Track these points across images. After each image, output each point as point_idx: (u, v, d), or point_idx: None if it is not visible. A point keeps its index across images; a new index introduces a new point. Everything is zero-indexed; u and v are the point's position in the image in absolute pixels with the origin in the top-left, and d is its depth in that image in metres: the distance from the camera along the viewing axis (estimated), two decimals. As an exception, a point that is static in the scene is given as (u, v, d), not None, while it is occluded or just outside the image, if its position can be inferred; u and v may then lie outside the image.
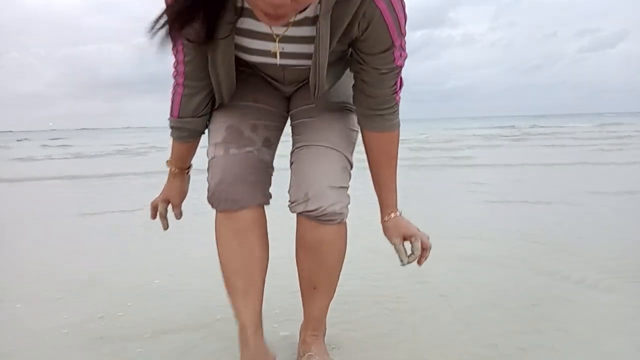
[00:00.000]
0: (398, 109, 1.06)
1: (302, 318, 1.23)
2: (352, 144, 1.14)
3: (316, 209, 1.03)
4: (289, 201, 1.08)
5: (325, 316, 1.22)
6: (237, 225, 1.09)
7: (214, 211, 1.12)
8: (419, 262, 1.13)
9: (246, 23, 0.95)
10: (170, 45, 0.91)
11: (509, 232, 2.59)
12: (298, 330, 1.26)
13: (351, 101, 1.12)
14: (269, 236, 1.16)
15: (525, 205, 3.39)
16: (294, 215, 1.12)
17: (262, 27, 0.95)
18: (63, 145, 17.88)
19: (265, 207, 1.15)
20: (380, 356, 1.28)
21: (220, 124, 1.11)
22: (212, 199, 1.08)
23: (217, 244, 1.13)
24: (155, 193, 1.31)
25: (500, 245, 2.35)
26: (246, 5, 0.91)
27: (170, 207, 1.31)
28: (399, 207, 1.16)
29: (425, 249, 1.12)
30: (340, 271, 1.17)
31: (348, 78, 1.11)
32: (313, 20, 0.93)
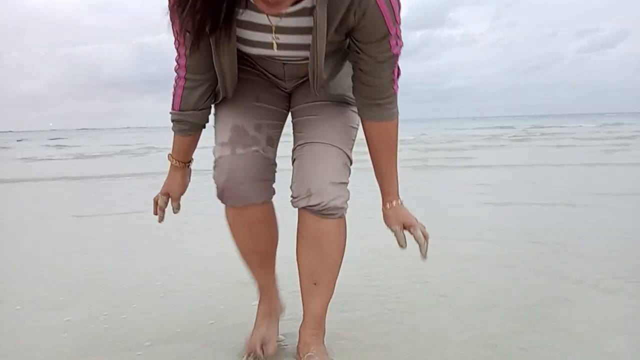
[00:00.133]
0: (396, 99, 1.09)
1: (302, 318, 1.24)
2: (352, 141, 1.18)
3: (318, 204, 1.07)
4: (292, 196, 1.12)
5: (325, 315, 1.23)
6: (246, 219, 1.19)
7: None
8: (422, 253, 1.19)
9: (246, 15, 0.99)
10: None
11: (509, 232, 2.59)
12: (297, 330, 1.26)
13: (350, 94, 1.15)
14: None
15: (525, 205, 3.39)
16: (294, 216, 1.15)
17: (262, 19, 0.98)
18: (63, 146, 17.88)
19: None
20: (380, 356, 1.28)
21: (225, 123, 1.15)
22: (221, 196, 1.14)
23: (230, 231, 1.23)
24: (156, 193, 1.32)
25: (500, 245, 2.34)
26: None
27: (170, 201, 1.33)
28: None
29: (425, 238, 1.16)
30: (339, 267, 1.20)
31: (347, 71, 1.13)
32: (311, 11, 0.96)
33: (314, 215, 1.11)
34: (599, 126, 20.46)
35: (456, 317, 1.51)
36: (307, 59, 1.04)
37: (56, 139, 26.78)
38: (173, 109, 1.14)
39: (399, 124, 1.14)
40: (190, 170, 1.32)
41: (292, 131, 1.24)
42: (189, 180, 1.32)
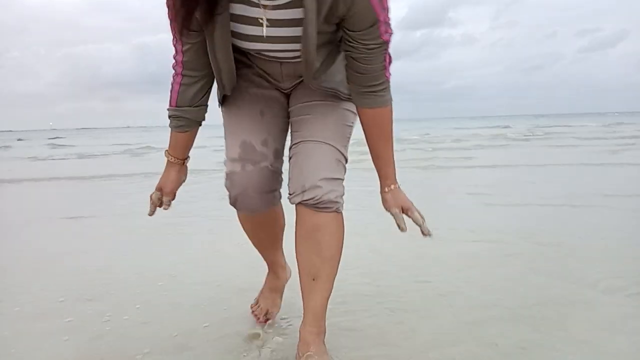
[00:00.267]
0: (389, 86, 1.12)
1: (301, 319, 1.23)
2: (346, 138, 1.23)
3: (312, 197, 1.13)
4: (288, 193, 1.18)
5: (325, 312, 1.23)
6: (256, 223, 1.37)
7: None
8: (424, 232, 1.21)
9: (237, 9, 1.03)
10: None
11: (509, 232, 2.58)
12: (296, 330, 1.26)
13: (342, 89, 1.20)
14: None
15: (525, 205, 3.39)
16: (293, 219, 1.17)
17: (253, 12, 1.03)
18: (63, 145, 17.88)
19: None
20: (380, 356, 1.28)
21: (234, 138, 1.23)
22: (234, 205, 1.26)
23: (243, 228, 1.40)
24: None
25: (500, 245, 2.34)
26: None
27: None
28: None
29: (422, 219, 1.21)
30: (338, 263, 1.22)
31: (340, 67, 1.18)
32: (300, 3, 0.99)
33: (310, 210, 1.15)
34: (604, 126, 20.39)
35: (456, 317, 1.51)
36: (300, 57, 1.09)
37: (55, 138, 26.75)
38: (170, 105, 1.19)
39: (396, 114, 1.17)
40: (187, 168, 1.34)
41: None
42: (185, 179, 1.35)
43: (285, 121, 1.30)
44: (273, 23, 1.04)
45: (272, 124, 1.26)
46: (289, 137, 1.31)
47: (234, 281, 1.88)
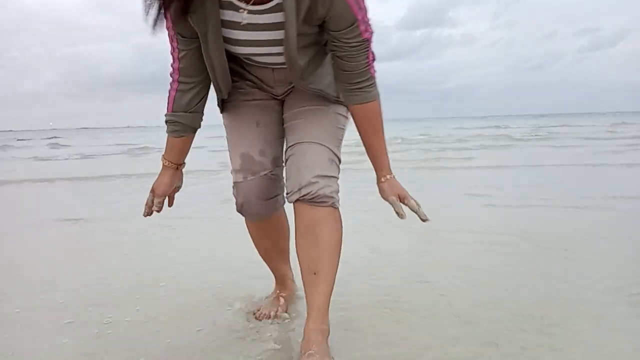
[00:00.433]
0: (375, 82, 1.20)
1: (301, 318, 1.24)
2: (338, 140, 1.30)
3: (308, 193, 1.19)
4: (286, 193, 1.26)
5: (327, 308, 1.24)
6: (261, 227, 1.46)
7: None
8: (421, 217, 1.25)
9: (226, 15, 1.11)
10: (164, 25, 1.11)
11: (509, 232, 2.58)
12: (296, 328, 1.26)
13: (330, 91, 1.28)
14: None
15: (526, 206, 3.39)
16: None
17: (239, 17, 1.11)
18: (63, 146, 17.88)
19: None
20: (380, 356, 1.28)
21: (235, 150, 1.35)
22: (240, 212, 1.39)
23: (250, 235, 1.50)
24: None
25: (501, 245, 2.34)
26: None
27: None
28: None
29: (418, 206, 1.26)
30: (338, 256, 1.26)
31: (327, 70, 1.26)
32: (282, 7, 1.07)
33: (307, 205, 1.21)
34: (608, 125, 20.33)
35: (456, 317, 1.51)
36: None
37: (52, 138, 26.74)
38: (167, 110, 1.27)
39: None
40: (182, 174, 1.40)
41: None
42: (180, 185, 1.41)
43: (281, 128, 1.37)
44: (257, 27, 1.12)
45: (268, 132, 1.35)
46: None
47: (234, 281, 1.88)
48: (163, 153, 1.34)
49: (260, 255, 1.57)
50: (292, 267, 1.65)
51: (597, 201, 3.42)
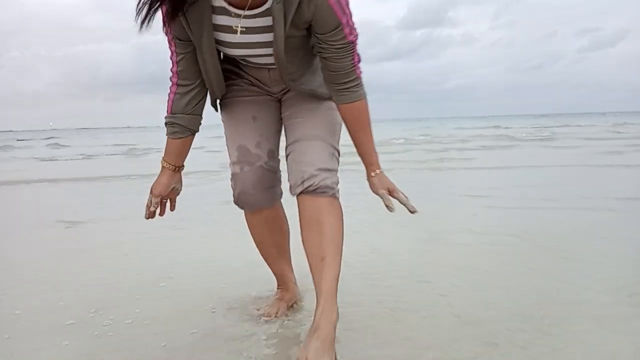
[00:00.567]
0: (361, 82, 1.26)
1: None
2: (337, 134, 1.38)
3: (311, 185, 1.27)
4: (289, 187, 1.32)
5: (336, 292, 1.26)
6: (260, 219, 1.48)
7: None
8: (410, 209, 1.31)
9: (220, 20, 1.18)
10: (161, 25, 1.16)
11: (509, 232, 2.58)
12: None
13: (322, 90, 1.34)
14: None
15: (526, 206, 3.39)
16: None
17: (234, 22, 1.17)
18: (63, 146, 17.88)
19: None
20: (380, 356, 1.28)
21: (232, 144, 1.41)
22: (238, 204, 1.44)
23: (249, 231, 1.53)
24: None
25: (501, 245, 2.34)
26: (218, 4, 1.15)
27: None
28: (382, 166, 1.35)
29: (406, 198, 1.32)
30: (341, 243, 1.31)
31: (318, 72, 1.32)
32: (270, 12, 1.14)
33: (309, 196, 1.28)
34: (610, 125, 20.29)
35: (456, 317, 1.51)
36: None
37: (49, 138, 26.71)
38: (166, 112, 1.32)
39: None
40: (180, 177, 1.44)
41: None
42: (179, 188, 1.45)
43: (278, 123, 1.45)
44: (251, 31, 1.19)
45: (264, 127, 1.42)
46: (283, 137, 1.44)
47: (234, 282, 1.88)
48: (163, 156, 1.38)
49: (262, 254, 1.59)
50: (293, 269, 1.66)
51: (597, 202, 3.42)
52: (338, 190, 1.32)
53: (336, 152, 1.35)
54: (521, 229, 2.64)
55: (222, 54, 1.33)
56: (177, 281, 1.93)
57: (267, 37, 1.20)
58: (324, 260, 1.26)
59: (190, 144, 1.39)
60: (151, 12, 1.10)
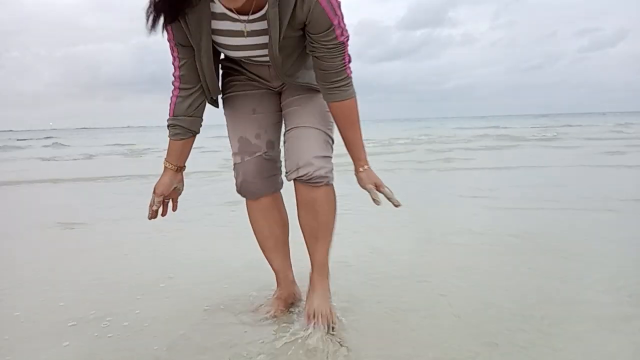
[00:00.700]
0: (351, 81, 1.34)
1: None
2: (330, 122, 1.45)
3: (305, 174, 1.35)
4: (285, 171, 1.41)
5: (327, 261, 1.49)
6: (260, 207, 1.54)
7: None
8: (394, 203, 1.38)
9: (222, 25, 1.25)
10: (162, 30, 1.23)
11: (509, 232, 2.58)
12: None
13: (315, 83, 1.39)
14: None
15: (526, 207, 3.39)
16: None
17: (236, 26, 1.25)
18: (64, 146, 17.88)
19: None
20: (380, 356, 1.28)
21: (233, 135, 1.49)
22: (240, 192, 1.51)
23: (249, 220, 1.57)
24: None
25: (501, 245, 2.34)
26: (219, 10, 1.22)
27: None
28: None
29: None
30: (334, 223, 1.47)
31: (312, 66, 1.37)
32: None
33: (305, 185, 1.38)
34: (613, 125, 20.24)
35: (456, 317, 1.51)
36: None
37: (54, 137, 26.71)
38: (169, 114, 1.38)
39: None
40: (182, 177, 1.49)
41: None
42: (180, 188, 1.50)
43: (277, 115, 1.52)
44: (250, 33, 1.27)
45: (263, 119, 1.49)
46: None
47: (234, 282, 1.88)
48: (165, 156, 1.43)
49: (260, 246, 1.60)
50: (294, 270, 1.66)
51: (597, 202, 3.42)
52: (332, 177, 1.40)
53: (330, 140, 1.44)
54: (521, 229, 2.64)
55: (221, 54, 1.41)
56: (177, 281, 1.93)
57: (267, 39, 1.27)
58: (318, 239, 1.45)
59: (192, 145, 1.45)
60: (157, 22, 1.20)
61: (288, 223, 1.61)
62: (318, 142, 1.38)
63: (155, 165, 8.04)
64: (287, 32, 1.23)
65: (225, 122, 1.54)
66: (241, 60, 1.42)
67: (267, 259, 1.62)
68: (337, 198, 1.46)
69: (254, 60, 1.39)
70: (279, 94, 1.53)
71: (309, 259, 1.49)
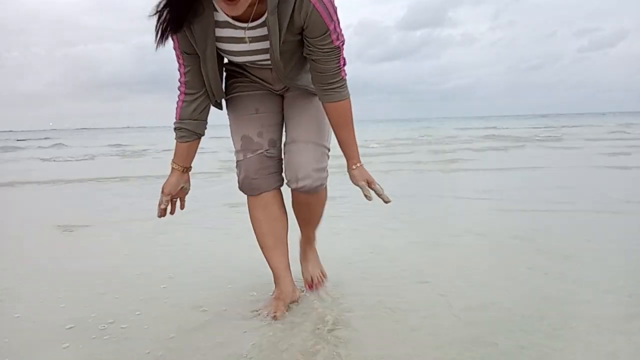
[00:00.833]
0: (345, 83, 1.40)
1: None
2: (327, 132, 1.54)
3: (304, 186, 1.48)
4: (285, 180, 1.53)
5: (315, 236, 1.76)
6: (261, 204, 1.58)
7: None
8: (384, 199, 1.46)
9: (225, 32, 1.32)
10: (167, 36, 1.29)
11: (509, 232, 2.58)
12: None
13: (312, 86, 1.45)
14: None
15: (527, 208, 3.39)
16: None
17: (238, 33, 1.32)
18: (65, 146, 17.87)
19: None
20: (380, 356, 1.28)
21: (236, 134, 1.56)
22: (242, 189, 1.57)
23: (250, 217, 1.62)
24: (156, 194, 1.33)
25: (501, 245, 2.34)
26: (222, 19, 1.29)
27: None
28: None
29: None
30: (323, 211, 1.67)
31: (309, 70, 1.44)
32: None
33: (302, 194, 1.51)
34: (615, 126, 20.20)
35: (456, 317, 1.51)
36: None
37: (54, 138, 26.71)
38: (175, 119, 1.46)
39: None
40: (189, 177, 1.58)
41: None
42: (187, 188, 1.59)
43: (280, 115, 1.59)
44: (252, 39, 1.33)
45: (265, 118, 1.55)
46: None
47: (234, 282, 1.88)
48: (172, 158, 1.51)
49: (259, 244, 1.63)
50: (293, 272, 1.66)
51: (598, 202, 3.42)
52: (326, 182, 1.53)
53: (327, 150, 1.53)
54: (521, 229, 2.64)
55: (224, 59, 1.48)
56: (177, 281, 1.93)
57: (267, 44, 1.33)
58: (310, 223, 1.69)
59: (197, 146, 1.53)
60: (166, 37, 1.27)
61: (287, 220, 1.64)
62: (316, 156, 1.48)
63: (154, 166, 8.05)
64: (286, 37, 1.29)
65: (226, 122, 1.60)
66: (245, 65, 1.48)
67: (266, 257, 1.64)
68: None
69: (257, 64, 1.44)
70: (281, 96, 1.60)
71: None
